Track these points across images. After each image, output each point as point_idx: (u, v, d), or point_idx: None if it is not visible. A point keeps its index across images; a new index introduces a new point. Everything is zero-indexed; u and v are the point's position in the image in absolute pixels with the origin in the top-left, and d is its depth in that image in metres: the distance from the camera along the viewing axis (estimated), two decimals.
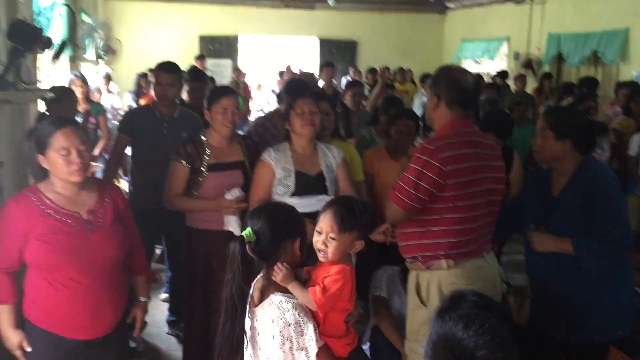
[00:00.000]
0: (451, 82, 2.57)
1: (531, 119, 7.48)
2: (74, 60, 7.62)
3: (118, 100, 8.80)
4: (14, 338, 2.36)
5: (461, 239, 2.50)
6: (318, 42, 14.96)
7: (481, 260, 2.59)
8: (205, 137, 3.16)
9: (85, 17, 8.57)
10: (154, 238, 3.98)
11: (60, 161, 2.31)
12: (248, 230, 2.04)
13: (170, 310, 4.22)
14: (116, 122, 6.89)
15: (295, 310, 1.94)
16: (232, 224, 3.07)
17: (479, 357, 1.22)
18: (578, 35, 9.99)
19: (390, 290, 3.60)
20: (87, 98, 6.16)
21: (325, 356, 1.98)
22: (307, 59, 15.07)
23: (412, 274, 2.67)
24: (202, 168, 3.08)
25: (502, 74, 9.98)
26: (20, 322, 2.39)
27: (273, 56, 14.97)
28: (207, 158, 3.09)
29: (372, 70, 10.80)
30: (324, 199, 3.05)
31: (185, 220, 3.24)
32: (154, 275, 2.85)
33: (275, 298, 1.97)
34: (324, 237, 2.05)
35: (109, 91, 8.72)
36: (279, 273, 1.99)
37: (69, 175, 2.33)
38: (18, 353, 2.37)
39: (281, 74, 13.52)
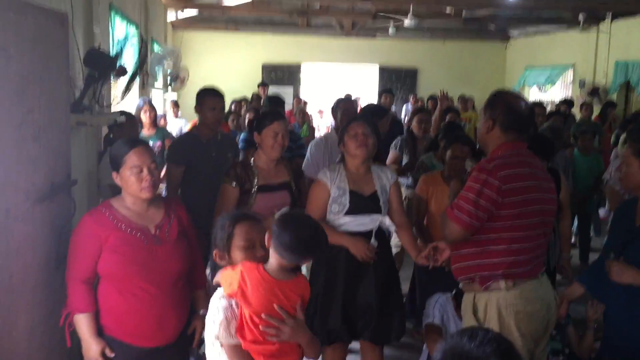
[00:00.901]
0: (507, 107, 2.60)
1: (598, 147, 7.30)
2: (144, 86, 8.00)
3: (186, 124, 9.13)
4: (97, 346, 2.47)
5: (518, 258, 2.51)
6: (378, 69, 15.08)
7: (537, 281, 2.59)
8: (253, 159, 3.27)
9: (155, 46, 9.00)
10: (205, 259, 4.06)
11: (133, 178, 2.48)
12: None
13: None
14: None
15: (219, 302, 2.07)
16: None
17: None
18: None
19: (444, 317, 3.58)
20: (154, 123, 6.46)
21: (236, 354, 2.03)
22: (367, 86, 15.20)
23: (467, 296, 2.66)
24: (252, 190, 3.18)
25: (568, 102, 9.78)
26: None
27: (334, 83, 15.18)
28: (256, 180, 3.20)
29: (433, 97, 10.80)
30: (377, 218, 3.12)
31: None
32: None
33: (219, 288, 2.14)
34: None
35: (177, 116, 9.07)
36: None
37: (140, 191, 2.50)
38: None
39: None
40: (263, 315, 2.01)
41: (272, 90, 13.21)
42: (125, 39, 3.68)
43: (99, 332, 2.51)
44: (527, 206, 2.49)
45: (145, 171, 2.49)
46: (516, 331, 2.47)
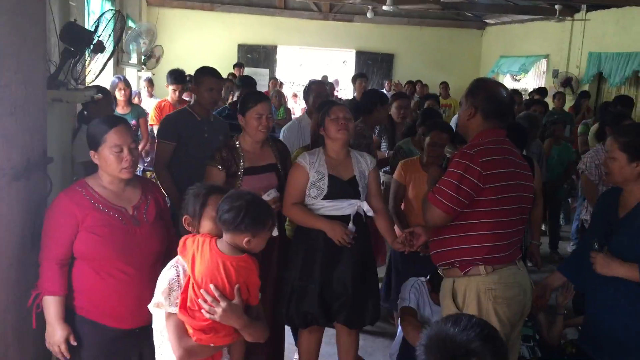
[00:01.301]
0: (489, 94, 2.65)
1: (569, 137, 7.43)
2: (118, 64, 7.85)
3: (156, 102, 8.98)
4: (62, 331, 2.43)
5: (498, 243, 2.56)
6: (354, 54, 15.06)
7: (515, 267, 2.64)
8: (238, 141, 3.25)
9: (130, 23, 8.82)
10: None
11: (112, 158, 2.44)
12: None
13: None
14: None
15: (168, 271, 2.17)
16: None
17: (473, 349, 1.26)
18: (619, 55, 9.86)
19: (419, 301, 3.62)
20: (129, 101, 6.36)
21: (174, 322, 2.12)
22: (343, 71, 15.18)
23: (447, 281, 2.69)
24: (238, 172, 3.17)
25: (541, 91, 9.91)
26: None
27: (310, 66, 15.13)
28: (242, 162, 3.18)
29: (410, 82, 10.86)
30: (355, 203, 3.13)
31: None
32: None
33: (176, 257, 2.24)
34: None
35: (152, 95, 8.92)
36: None
37: (120, 171, 2.46)
38: (63, 347, 2.43)
39: None
40: (201, 291, 2.08)
41: (248, 71, 13.11)
42: (102, 13, 3.58)
43: (72, 313, 2.48)
44: (507, 192, 2.54)
45: (125, 151, 2.45)
46: (494, 316, 2.52)
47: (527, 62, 12.87)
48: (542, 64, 12.80)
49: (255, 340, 2.24)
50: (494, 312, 2.53)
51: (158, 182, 3.77)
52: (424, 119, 4.35)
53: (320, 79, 13.60)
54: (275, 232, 3.18)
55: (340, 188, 3.12)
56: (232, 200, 2.16)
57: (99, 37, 3.32)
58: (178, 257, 2.22)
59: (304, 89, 4.60)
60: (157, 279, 2.54)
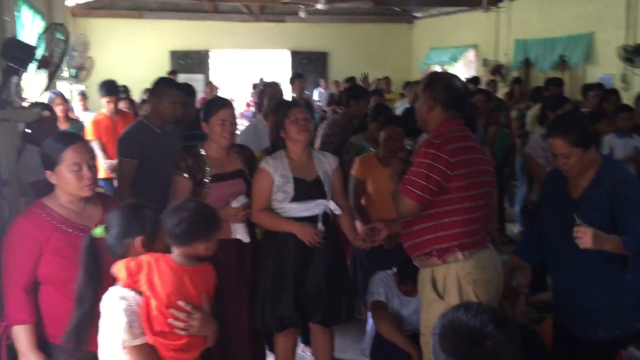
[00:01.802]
0: (446, 86, 2.73)
1: (504, 122, 7.69)
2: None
3: (93, 117, 8.69)
4: (37, 359, 2.33)
5: (471, 228, 2.65)
6: (289, 54, 15.07)
7: (488, 250, 2.75)
8: (203, 149, 3.20)
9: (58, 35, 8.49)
10: None
11: (71, 176, 2.35)
12: (100, 227, 2.20)
13: None
14: None
15: (117, 303, 2.03)
16: (239, 232, 3.13)
17: (487, 333, 1.30)
18: (545, 41, 10.29)
19: (387, 294, 3.68)
20: (67, 116, 6.15)
21: (142, 353, 2.02)
22: (278, 71, 15.16)
23: (425, 271, 2.75)
24: (205, 180, 3.12)
25: (474, 80, 10.21)
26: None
27: (245, 70, 15.03)
28: (208, 170, 3.13)
29: (349, 80, 10.95)
30: (322, 202, 3.15)
31: None
32: None
33: (111, 289, 2.10)
34: None
35: (87, 109, 8.63)
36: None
37: (80, 190, 2.38)
38: None
39: (255, 86, 13.58)
40: (171, 311, 2.04)
41: (183, 78, 12.88)
42: (46, 29, 3.44)
43: (44, 342, 2.37)
44: (474, 177, 2.63)
45: (85, 168, 2.37)
46: (474, 299, 2.60)
47: (456, 52, 13.23)
48: (471, 54, 13.20)
49: (213, 344, 2.25)
50: (475, 295, 2.62)
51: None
52: (376, 115, 4.41)
53: (258, 81, 13.58)
54: (247, 239, 3.17)
55: (306, 190, 3.13)
56: (178, 214, 2.13)
57: (44, 52, 3.18)
58: (117, 287, 2.09)
59: (259, 92, 4.62)
60: None
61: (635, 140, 5.20)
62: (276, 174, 3.11)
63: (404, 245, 2.83)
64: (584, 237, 2.49)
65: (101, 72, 11.83)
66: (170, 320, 2.05)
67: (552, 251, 2.88)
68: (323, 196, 3.17)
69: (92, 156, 2.45)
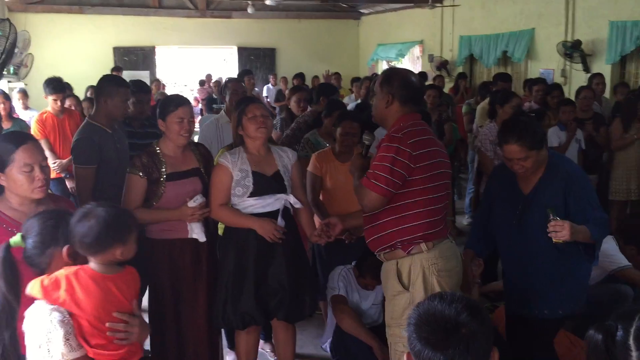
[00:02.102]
0: (403, 81, 2.77)
1: (452, 117, 7.87)
2: None
3: (37, 115, 8.39)
4: None
5: (434, 219, 2.71)
6: (236, 50, 14.95)
7: (448, 240, 2.82)
8: (158, 147, 3.14)
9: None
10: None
11: (22, 178, 2.26)
12: (18, 235, 2.02)
13: None
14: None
15: (50, 316, 1.89)
16: (196, 231, 3.09)
17: (462, 321, 1.33)
18: (488, 37, 10.57)
19: (347, 288, 3.71)
20: (10, 115, 5.92)
21: None
22: (226, 68, 15.03)
23: (389, 264, 2.78)
24: (161, 179, 3.06)
25: (422, 75, 10.38)
26: None
27: (191, 66, 14.83)
28: (164, 168, 3.08)
29: (298, 76, 10.98)
30: (281, 197, 3.14)
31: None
32: None
33: (37, 302, 1.95)
34: None
35: (27, 107, 8.32)
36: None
37: (32, 192, 2.29)
38: None
39: (202, 83, 13.43)
40: (109, 324, 1.98)
41: (127, 75, 12.59)
42: None
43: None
44: (435, 170, 2.69)
45: (37, 169, 2.28)
46: (439, 288, 2.66)
47: (403, 48, 13.44)
48: (417, 50, 13.43)
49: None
50: (439, 285, 2.68)
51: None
52: (330, 110, 4.42)
53: (204, 77, 13.43)
54: (203, 238, 3.14)
55: (266, 184, 3.11)
56: (85, 222, 1.98)
57: None
58: (42, 302, 1.92)
59: (221, 87, 4.60)
60: None
61: (577, 133, 5.41)
62: (235, 168, 3.09)
63: (367, 240, 2.86)
64: (562, 230, 2.60)
65: (40, 69, 11.47)
66: (109, 333, 1.97)
67: (505, 243, 3.02)
68: (283, 190, 3.16)
69: (44, 157, 2.36)
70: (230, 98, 4.32)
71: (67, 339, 1.88)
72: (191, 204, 3.02)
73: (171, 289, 3.10)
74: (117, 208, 2.12)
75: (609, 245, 3.81)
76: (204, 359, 3.24)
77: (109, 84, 3.74)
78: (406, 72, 2.90)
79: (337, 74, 12.22)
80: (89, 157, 3.53)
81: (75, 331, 1.91)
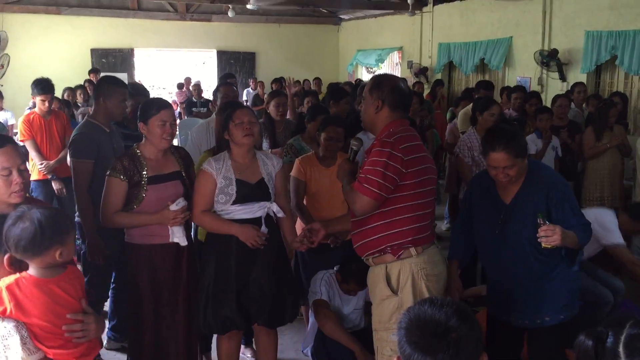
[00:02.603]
0: (393, 87, 2.79)
1: (432, 123, 7.94)
2: None
3: (12, 116, 8.29)
4: None
5: (421, 224, 2.74)
6: (215, 54, 14.90)
7: (434, 246, 2.85)
8: (139, 150, 3.12)
9: None
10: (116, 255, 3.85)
11: (0, 182, 2.21)
12: None
13: (112, 323, 4.08)
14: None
15: (2, 323, 1.89)
16: (177, 235, 3.07)
17: (451, 326, 1.35)
18: (466, 45, 10.70)
19: (329, 293, 3.72)
20: None
21: None
22: (205, 71, 14.97)
23: (378, 268, 2.80)
24: (142, 182, 3.04)
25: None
26: None
27: (170, 69, 14.74)
28: (145, 171, 3.06)
29: (277, 80, 10.97)
30: (265, 205, 3.13)
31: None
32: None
33: None
34: None
35: (1, 108, 8.20)
36: None
37: (9, 196, 2.24)
38: None
39: (180, 86, 13.35)
40: (65, 327, 1.99)
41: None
42: None
43: None
44: (424, 175, 2.72)
45: (15, 173, 2.23)
46: (427, 292, 2.69)
47: (382, 54, 13.53)
48: (395, 56, 13.54)
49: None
50: (427, 289, 2.71)
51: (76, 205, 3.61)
52: (314, 115, 4.43)
53: (182, 80, 13.35)
54: (184, 242, 3.12)
55: (249, 192, 3.09)
56: (19, 225, 1.95)
57: None
58: None
59: (213, 91, 4.57)
60: None
61: (553, 140, 5.51)
62: (219, 175, 3.06)
63: (355, 244, 2.87)
64: (553, 235, 2.61)
65: (16, 69, 11.35)
66: (66, 334, 1.98)
67: (488, 252, 3.05)
68: (267, 198, 3.14)
69: (23, 160, 2.32)
70: (221, 101, 4.31)
71: (25, 343, 1.88)
72: (173, 207, 3.00)
73: (151, 294, 3.08)
74: (51, 209, 2.08)
75: (610, 219, 3.91)
76: None
77: (107, 84, 3.79)
78: (396, 78, 2.93)
79: (317, 79, 12.25)
80: (88, 151, 3.58)
81: (30, 335, 1.91)
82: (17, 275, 1.96)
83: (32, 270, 1.98)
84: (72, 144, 3.67)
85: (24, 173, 2.28)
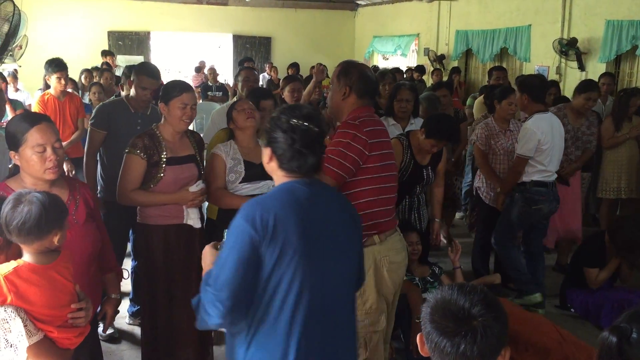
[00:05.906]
0: (361, 75, 2.81)
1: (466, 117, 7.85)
2: None
3: (28, 97, 8.35)
4: None
5: (382, 209, 2.75)
6: (232, 38, 14.88)
7: (397, 232, 2.88)
8: (158, 131, 3.14)
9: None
10: (127, 232, 4.04)
11: (35, 158, 2.26)
12: None
13: (133, 300, 4.18)
14: None
15: (2, 307, 1.87)
16: (192, 217, 3.11)
17: (475, 313, 1.35)
18: (485, 32, 10.59)
19: None
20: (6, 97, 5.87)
21: (41, 349, 1.92)
22: (220, 55, 14.95)
23: None
24: (161, 162, 3.06)
25: (420, 69, 10.39)
26: None
27: (186, 53, 14.74)
28: (164, 152, 3.08)
29: (293, 65, 10.94)
30: (270, 183, 3.18)
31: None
32: (122, 272, 2.80)
33: None
34: None
35: (17, 89, 8.27)
36: None
37: (44, 172, 2.29)
38: None
39: (198, 69, 13.36)
40: (70, 315, 2.01)
41: (121, 59, 12.51)
42: None
43: None
44: (387, 160, 2.76)
45: (49, 150, 2.27)
46: (389, 280, 2.73)
47: (400, 42, 13.42)
48: (412, 43, 13.43)
49: None
50: (388, 276, 2.74)
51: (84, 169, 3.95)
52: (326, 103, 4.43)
53: (198, 64, 13.36)
54: (198, 224, 3.15)
55: (256, 171, 3.19)
56: (19, 209, 1.92)
57: None
58: None
59: (235, 75, 4.69)
60: (92, 282, 2.45)
61: None
62: (228, 157, 3.25)
63: None
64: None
65: (32, 51, 11.35)
66: (70, 321, 2.01)
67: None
68: (271, 177, 3.23)
69: (58, 137, 2.34)
70: (243, 85, 4.43)
71: (26, 325, 1.87)
72: (193, 188, 3.04)
73: (164, 274, 3.11)
74: (49, 193, 2.04)
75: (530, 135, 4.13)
76: (195, 345, 3.24)
77: (135, 69, 3.96)
78: (363, 66, 2.94)
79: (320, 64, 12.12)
80: (100, 121, 3.90)
81: (30, 318, 1.90)
82: (13, 263, 1.94)
83: (28, 257, 1.96)
84: (93, 113, 4.01)
85: (59, 150, 2.31)
